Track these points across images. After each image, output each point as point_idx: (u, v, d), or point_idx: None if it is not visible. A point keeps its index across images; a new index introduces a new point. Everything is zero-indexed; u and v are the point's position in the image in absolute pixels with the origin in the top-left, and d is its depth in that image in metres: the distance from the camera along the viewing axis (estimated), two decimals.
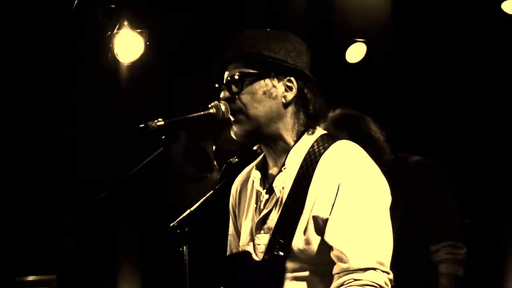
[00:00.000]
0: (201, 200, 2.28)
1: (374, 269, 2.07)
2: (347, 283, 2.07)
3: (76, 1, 4.67)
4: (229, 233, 2.51)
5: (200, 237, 2.53)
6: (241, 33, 2.32)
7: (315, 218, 2.14)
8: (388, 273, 2.11)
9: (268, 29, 2.32)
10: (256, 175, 2.33)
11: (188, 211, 2.23)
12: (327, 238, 2.12)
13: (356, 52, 5.39)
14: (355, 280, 2.07)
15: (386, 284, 2.09)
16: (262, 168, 2.35)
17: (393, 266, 2.14)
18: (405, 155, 3.80)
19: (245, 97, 2.23)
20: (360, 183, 2.14)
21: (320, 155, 2.20)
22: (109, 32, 4.85)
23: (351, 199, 2.12)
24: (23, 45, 5.03)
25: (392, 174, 3.56)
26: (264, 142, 2.29)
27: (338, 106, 3.55)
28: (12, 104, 5.22)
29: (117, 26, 4.82)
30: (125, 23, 4.82)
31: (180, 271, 2.16)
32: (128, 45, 4.87)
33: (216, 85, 2.29)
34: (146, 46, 4.89)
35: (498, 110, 5.32)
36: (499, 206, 5.37)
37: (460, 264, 3.62)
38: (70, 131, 5.38)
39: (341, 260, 2.09)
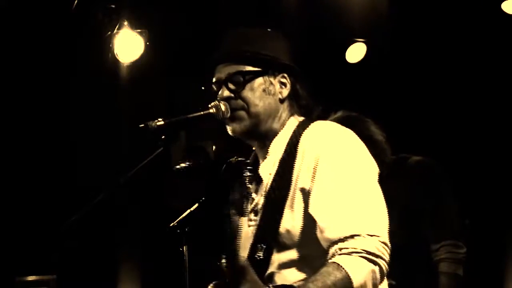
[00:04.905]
0: (201, 200, 2.27)
1: (356, 235, 1.99)
2: (337, 254, 1.99)
3: (76, 1, 4.67)
4: None
5: (200, 237, 2.53)
6: (228, 32, 2.31)
7: (298, 193, 2.12)
8: (377, 236, 1.99)
9: (248, 27, 2.31)
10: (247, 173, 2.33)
11: (188, 211, 2.23)
12: (310, 210, 2.09)
13: (356, 52, 5.39)
14: (340, 249, 1.99)
15: (377, 248, 1.97)
16: (253, 166, 2.34)
17: (394, 265, 2.11)
18: (405, 155, 3.80)
19: (246, 95, 2.23)
20: (340, 153, 2.11)
21: (300, 135, 2.20)
22: (109, 32, 4.85)
23: (331, 168, 2.08)
24: (23, 45, 5.02)
25: (393, 174, 3.59)
26: (259, 139, 2.29)
27: (339, 109, 3.55)
28: (11, 104, 5.22)
29: (117, 26, 4.82)
30: (125, 23, 4.81)
31: (180, 271, 2.15)
32: (128, 45, 4.87)
33: (203, 88, 2.29)
34: (146, 46, 4.89)
35: (498, 110, 5.32)
36: (499, 206, 5.37)
37: (460, 263, 3.62)
38: (70, 131, 5.37)
39: (322, 231, 2.05)
